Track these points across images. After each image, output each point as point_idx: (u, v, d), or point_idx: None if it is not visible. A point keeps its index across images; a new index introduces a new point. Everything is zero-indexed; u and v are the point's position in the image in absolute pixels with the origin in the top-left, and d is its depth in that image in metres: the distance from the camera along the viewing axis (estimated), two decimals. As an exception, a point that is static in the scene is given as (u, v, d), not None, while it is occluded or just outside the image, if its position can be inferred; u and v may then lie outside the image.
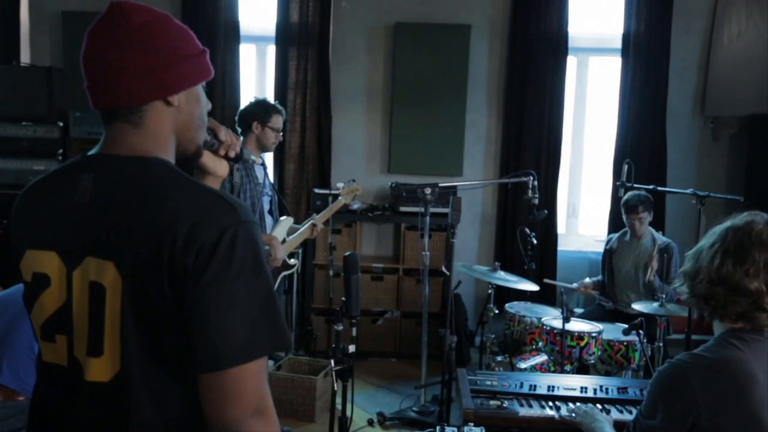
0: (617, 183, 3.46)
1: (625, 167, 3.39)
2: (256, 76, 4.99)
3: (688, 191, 2.91)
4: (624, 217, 3.80)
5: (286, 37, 4.72)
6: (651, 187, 3.51)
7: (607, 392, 2.28)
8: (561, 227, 4.86)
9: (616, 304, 3.83)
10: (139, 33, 1.01)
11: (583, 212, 5.05)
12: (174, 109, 1.05)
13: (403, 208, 4.56)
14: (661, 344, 3.16)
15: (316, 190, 4.56)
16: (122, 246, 0.95)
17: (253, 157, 1.42)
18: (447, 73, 4.68)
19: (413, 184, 3.52)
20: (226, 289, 0.92)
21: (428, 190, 3.32)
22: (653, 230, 3.80)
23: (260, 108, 3.08)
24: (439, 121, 4.72)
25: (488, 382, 2.31)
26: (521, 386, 2.29)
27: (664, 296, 3.18)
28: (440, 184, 3.31)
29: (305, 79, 4.74)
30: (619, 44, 4.66)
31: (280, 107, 3.15)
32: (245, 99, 4.83)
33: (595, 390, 2.29)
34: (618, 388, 2.31)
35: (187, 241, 0.92)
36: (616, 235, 3.94)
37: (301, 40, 4.71)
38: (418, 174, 4.76)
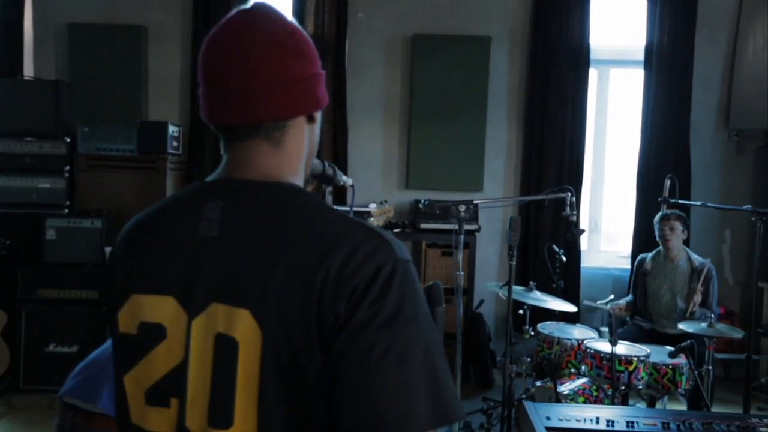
0: (659, 198, 3.32)
1: (668, 182, 3.26)
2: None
3: (745, 208, 2.78)
4: (657, 230, 3.66)
5: (300, 49, 4.57)
6: (699, 203, 3.39)
7: (691, 428, 2.12)
8: (583, 243, 4.73)
9: (653, 324, 3.69)
10: (294, 38, 0.87)
11: (605, 228, 4.93)
12: (310, 128, 0.92)
13: (424, 225, 4.41)
14: (710, 367, 3.01)
15: (335, 208, 4.39)
16: (261, 289, 0.77)
17: (344, 179, 1.27)
18: (466, 86, 4.56)
19: (446, 201, 3.37)
20: (380, 337, 0.73)
21: (462, 207, 3.17)
22: (689, 250, 3.66)
23: None
24: (458, 135, 4.59)
25: (559, 418, 2.14)
26: (597, 422, 2.13)
27: (712, 316, 3.04)
28: (475, 201, 3.16)
29: (321, 93, 4.59)
30: (641, 56, 4.57)
31: None
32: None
33: (678, 426, 2.13)
34: (703, 423, 2.15)
35: (338, 280, 0.75)
36: (649, 255, 3.78)
37: (319, 53, 4.56)
38: (438, 189, 4.63)
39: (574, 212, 3.20)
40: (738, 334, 2.95)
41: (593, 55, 4.55)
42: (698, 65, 4.55)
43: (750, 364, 2.80)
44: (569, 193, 3.19)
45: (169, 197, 0.93)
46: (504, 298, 3.56)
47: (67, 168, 4.13)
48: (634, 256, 4.58)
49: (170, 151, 4.20)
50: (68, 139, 4.13)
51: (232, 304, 0.78)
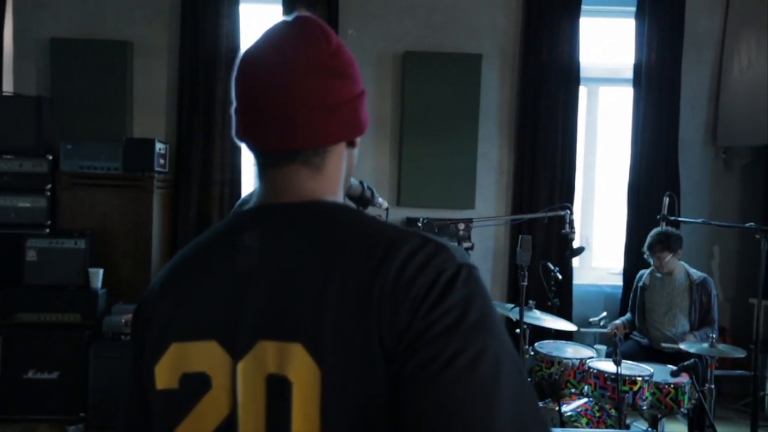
0: (658, 216, 3.31)
1: (666, 200, 3.25)
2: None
3: (748, 225, 2.78)
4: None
5: (290, 65, 4.51)
6: (700, 221, 3.38)
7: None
8: (574, 260, 4.71)
9: (651, 341, 3.67)
10: (338, 57, 0.81)
11: (597, 245, 4.93)
12: (350, 151, 0.86)
13: (416, 243, 4.36)
14: (712, 386, 2.99)
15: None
16: (312, 317, 0.69)
17: (380, 200, 1.21)
18: (458, 103, 4.54)
19: (444, 219, 3.32)
20: (447, 347, 0.64)
21: (461, 226, 3.13)
22: (686, 265, 3.66)
23: None
24: (450, 152, 4.56)
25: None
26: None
27: (714, 336, 3.02)
28: (474, 219, 3.12)
29: (311, 109, 4.53)
30: (630, 74, 4.60)
31: None
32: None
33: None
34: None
35: (397, 290, 0.67)
36: (647, 271, 3.77)
37: (307, 69, 4.52)
38: (430, 207, 4.58)
39: (573, 230, 3.18)
40: (740, 353, 2.93)
41: (583, 73, 4.58)
42: (686, 84, 4.60)
43: (757, 382, 2.78)
44: (568, 211, 3.17)
45: (205, 233, 0.85)
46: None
47: (49, 186, 3.99)
48: (625, 272, 4.58)
49: (157, 169, 4.09)
50: (50, 157, 4.00)
51: (281, 338, 0.70)
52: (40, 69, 4.49)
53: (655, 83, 4.55)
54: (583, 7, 4.50)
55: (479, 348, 0.66)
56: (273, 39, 0.81)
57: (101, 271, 3.89)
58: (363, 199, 1.32)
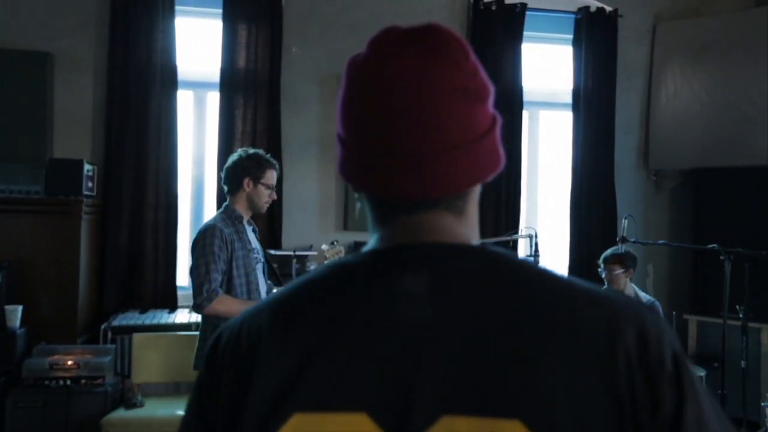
0: (617, 238, 3.37)
1: (625, 222, 3.32)
2: (195, 125, 4.48)
3: (711, 246, 2.88)
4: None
5: (231, 83, 4.28)
6: (662, 242, 3.48)
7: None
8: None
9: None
10: (478, 76, 0.67)
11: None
12: (478, 189, 0.71)
13: (367, 269, 4.22)
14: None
15: (272, 252, 4.08)
16: (536, 389, 0.56)
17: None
18: (405, 125, 4.48)
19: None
20: (701, 418, 0.59)
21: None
22: (636, 288, 3.75)
23: (252, 162, 2.64)
24: (398, 175, 4.47)
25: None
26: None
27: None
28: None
29: (253, 129, 4.32)
30: (569, 99, 4.74)
31: (273, 161, 2.74)
32: (183, 149, 4.31)
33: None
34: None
35: (644, 364, 0.58)
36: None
37: (249, 88, 4.31)
38: (378, 231, 4.47)
39: (538, 254, 3.17)
40: (700, 372, 3.00)
41: (525, 97, 4.66)
42: (619, 109, 4.79)
43: (725, 401, 2.85)
44: (533, 236, 3.16)
45: (321, 271, 0.68)
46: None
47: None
48: (569, 293, 4.65)
49: (85, 192, 3.72)
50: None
51: (484, 413, 0.56)
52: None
53: (593, 108, 4.72)
54: (525, 33, 4.60)
55: (713, 413, 0.62)
56: (401, 56, 0.64)
57: (20, 308, 3.45)
58: None
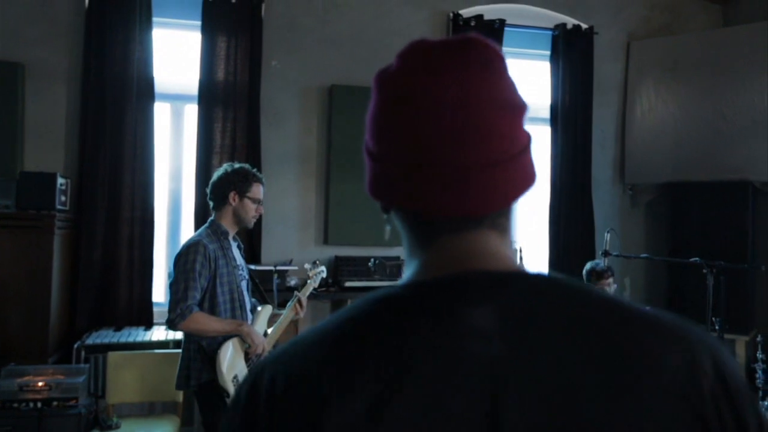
0: (601, 252, 3.39)
1: (607, 235, 3.35)
2: (173, 138, 4.39)
3: (693, 260, 2.91)
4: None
5: (210, 96, 4.22)
6: (645, 256, 3.51)
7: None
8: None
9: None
10: (515, 87, 0.65)
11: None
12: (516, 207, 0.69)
13: (348, 283, 4.18)
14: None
15: (251, 267, 4.00)
16: (617, 421, 0.53)
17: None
18: (386, 139, 4.47)
19: (397, 257, 3.18)
20: None
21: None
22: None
23: (237, 176, 2.59)
24: (378, 189, 4.45)
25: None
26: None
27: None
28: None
29: (233, 143, 4.25)
30: (547, 114, 4.80)
31: (260, 175, 2.70)
32: (160, 163, 4.22)
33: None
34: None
35: (725, 388, 0.57)
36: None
37: (228, 101, 4.25)
38: (359, 245, 4.43)
39: (523, 266, 3.16)
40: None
41: (504, 112, 4.69)
42: (596, 125, 4.86)
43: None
44: (518, 249, 3.16)
45: (367, 308, 0.62)
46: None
47: None
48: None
49: (58, 206, 3.60)
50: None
51: None
52: None
53: (570, 123, 4.78)
54: (504, 48, 4.64)
55: None
56: (444, 69, 0.62)
57: (-12, 326, 3.31)
58: None
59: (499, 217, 0.65)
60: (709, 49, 4.68)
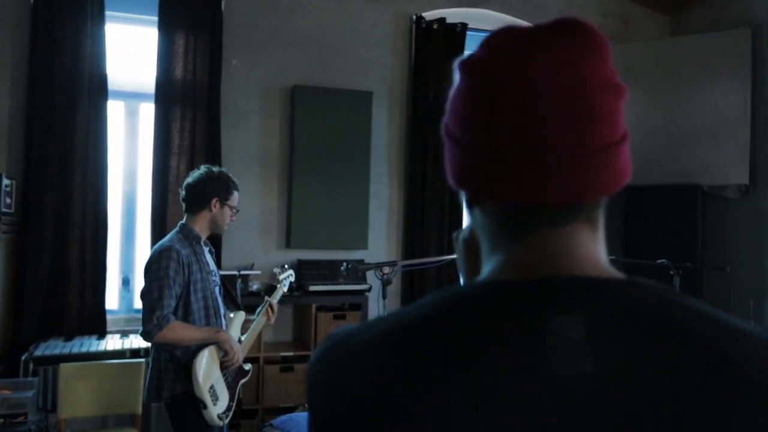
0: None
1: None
2: (127, 137, 4.20)
3: (660, 261, 2.98)
4: None
5: (167, 95, 4.05)
6: (612, 258, 3.55)
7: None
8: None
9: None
10: (616, 72, 0.61)
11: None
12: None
13: (313, 287, 4.10)
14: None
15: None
16: None
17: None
18: (349, 141, 4.42)
19: (370, 264, 3.13)
20: None
21: (387, 269, 2.97)
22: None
23: (221, 183, 2.50)
24: (342, 191, 4.39)
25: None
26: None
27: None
28: (400, 263, 2.98)
29: (192, 143, 4.10)
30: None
31: (236, 181, 2.62)
32: (113, 163, 4.02)
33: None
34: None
35: None
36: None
37: (186, 100, 4.09)
38: (322, 248, 4.37)
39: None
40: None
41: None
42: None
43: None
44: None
45: (439, 307, 0.58)
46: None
47: None
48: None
49: (3, 209, 3.37)
50: None
51: None
52: None
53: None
54: (466, 52, 4.67)
55: None
56: (548, 51, 0.58)
57: (-74, 339, 3.06)
58: None
59: (594, 209, 0.61)
60: (660, 57, 4.85)
